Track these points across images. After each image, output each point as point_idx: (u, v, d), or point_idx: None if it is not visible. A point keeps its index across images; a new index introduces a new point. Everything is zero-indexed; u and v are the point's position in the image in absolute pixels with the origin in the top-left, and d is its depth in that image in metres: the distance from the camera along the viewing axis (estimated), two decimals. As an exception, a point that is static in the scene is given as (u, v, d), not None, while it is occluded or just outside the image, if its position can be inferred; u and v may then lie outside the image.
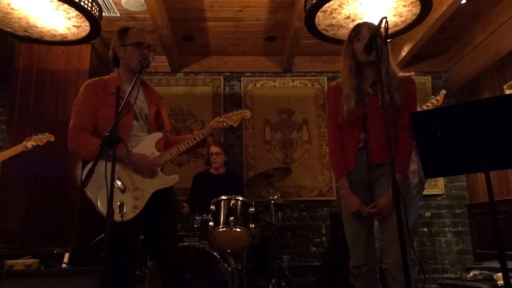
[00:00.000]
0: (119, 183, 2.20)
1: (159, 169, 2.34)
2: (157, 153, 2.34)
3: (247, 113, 2.67)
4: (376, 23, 2.00)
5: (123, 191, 2.20)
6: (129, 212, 2.14)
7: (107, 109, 2.23)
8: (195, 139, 2.41)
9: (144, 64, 2.28)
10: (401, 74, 2.22)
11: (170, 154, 2.36)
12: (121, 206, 2.10)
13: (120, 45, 2.39)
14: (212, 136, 2.52)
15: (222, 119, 2.48)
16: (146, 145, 2.34)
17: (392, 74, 2.14)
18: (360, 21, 3.56)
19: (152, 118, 2.42)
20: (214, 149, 4.24)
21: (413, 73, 2.26)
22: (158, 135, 2.40)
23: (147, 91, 2.51)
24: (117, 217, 2.07)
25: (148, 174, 2.27)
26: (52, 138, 3.78)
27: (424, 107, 3.29)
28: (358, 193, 2.18)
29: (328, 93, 2.41)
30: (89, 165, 2.05)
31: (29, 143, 3.65)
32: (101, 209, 2.12)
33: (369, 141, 2.17)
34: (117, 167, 2.17)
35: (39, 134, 3.75)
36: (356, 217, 2.18)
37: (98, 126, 2.26)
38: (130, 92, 2.12)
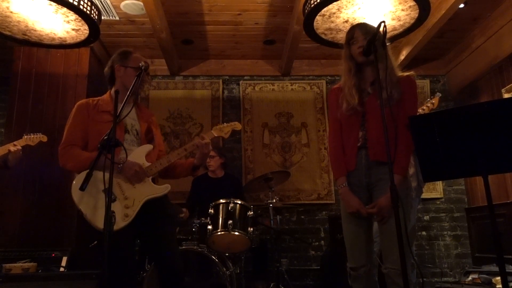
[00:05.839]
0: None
1: (149, 179, 2.36)
2: (147, 164, 2.37)
3: (238, 126, 2.78)
4: (374, 27, 2.00)
5: (113, 200, 2.20)
6: (120, 221, 2.14)
7: (97, 125, 2.31)
8: (185, 149, 2.49)
9: (142, 68, 2.29)
10: (400, 73, 2.23)
11: (160, 164, 2.40)
12: (112, 216, 2.09)
13: (121, 65, 2.43)
14: (207, 155, 2.61)
15: (203, 135, 2.56)
16: (136, 156, 2.36)
17: (391, 71, 2.14)
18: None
19: (143, 134, 2.48)
20: None
21: (412, 72, 2.26)
22: (148, 146, 2.44)
23: (139, 110, 2.57)
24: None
25: (137, 180, 2.29)
26: (44, 138, 3.63)
27: (420, 111, 3.29)
28: (357, 194, 2.17)
29: (330, 94, 2.43)
30: (81, 175, 2.12)
31: (17, 143, 3.36)
32: (89, 218, 2.13)
33: (368, 138, 2.17)
34: (106, 176, 2.17)
35: (31, 134, 3.57)
36: (355, 217, 2.17)
37: (88, 143, 2.32)
38: (126, 98, 2.17)
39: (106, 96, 2.50)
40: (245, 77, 5.54)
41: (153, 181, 2.42)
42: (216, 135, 2.68)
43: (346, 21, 3.58)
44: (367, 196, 2.19)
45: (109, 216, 1.79)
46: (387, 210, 2.03)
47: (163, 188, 2.38)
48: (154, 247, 2.39)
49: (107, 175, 2.09)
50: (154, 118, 2.66)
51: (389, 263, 2.08)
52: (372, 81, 2.21)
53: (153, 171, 2.38)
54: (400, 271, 1.84)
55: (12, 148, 3.30)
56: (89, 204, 2.14)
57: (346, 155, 2.23)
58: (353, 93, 2.18)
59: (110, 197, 1.78)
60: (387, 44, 2.14)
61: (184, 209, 4.01)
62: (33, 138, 3.57)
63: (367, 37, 2.10)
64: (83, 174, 2.18)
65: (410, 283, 1.94)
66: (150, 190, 2.34)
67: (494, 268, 3.88)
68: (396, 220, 1.78)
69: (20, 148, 3.38)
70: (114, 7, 4.13)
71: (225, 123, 2.76)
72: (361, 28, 2.21)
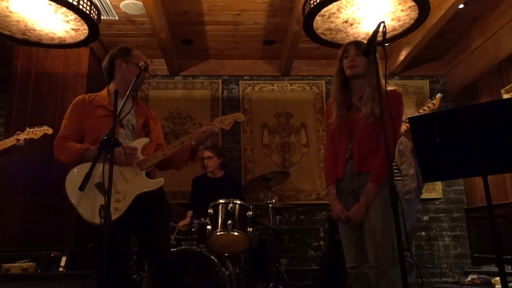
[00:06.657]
0: (100, 186, 2.21)
1: (143, 173, 2.35)
2: (142, 157, 2.37)
3: (241, 116, 2.72)
4: (374, 27, 2.03)
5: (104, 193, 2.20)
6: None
7: (92, 120, 2.35)
8: (182, 142, 2.46)
9: (142, 68, 2.30)
10: (388, 88, 2.29)
11: (155, 157, 2.39)
12: (101, 209, 2.07)
13: (122, 61, 2.45)
14: (205, 140, 2.61)
15: (212, 123, 2.57)
16: None
17: (376, 88, 2.20)
18: (359, 25, 3.63)
19: (139, 128, 2.47)
20: (205, 153, 4.23)
21: (397, 87, 2.38)
22: (144, 140, 2.43)
23: (137, 105, 2.56)
24: (97, 220, 2.09)
25: (129, 161, 2.28)
26: (50, 130, 3.62)
27: (421, 111, 3.28)
28: (346, 200, 2.29)
29: (327, 108, 2.57)
30: (76, 169, 2.23)
31: (21, 136, 3.43)
32: (80, 212, 2.15)
33: (353, 151, 2.27)
34: (99, 170, 2.13)
35: (35, 127, 3.58)
36: (341, 222, 2.29)
37: (85, 137, 2.37)
38: (127, 96, 2.17)
39: (103, 92, 2.51)
40: (245, 77, 5.53)
41: (149, 174, 2.41)
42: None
43: (346, 22, 3.58)
44: (354, 201, 2.27)
45: (107, 215, 1.79)
46: (354, 216, 2.19)
47: (156, 182, 2.36)
48: (149, 245, 2.39)
49: (100, 167, 2.10)
50: (153, 112, 2.65)
51: (367, 262, 2.15)
52: (361, 96, 2.30)
53: (147, 164, 2.36)
54: (377, 269, 2.02)
55: (19, 143, 3.38)
56: (80, 196, 2.15)
57: (337, 164, 2.36)
58: (337, 108, 2.35)
59: (109, 200, 1.78)
60: (386, 45, 2.18)
61: (189, 213, 4.01)
62: (37, 131, 3.56)
63: (359, 53, 2.23)
64: (78, 168, 2.20)
65: (392, 281, 2.02)
66: (143, 184, 2.31)
67: (493, 268, 3.88)
68: (396, 222, 1.78)
69: (23, 140, 3.43)
70: (114, 7, 4.13)
71: (227, 114, 2.70)
72: (355, 45, 2.33)
